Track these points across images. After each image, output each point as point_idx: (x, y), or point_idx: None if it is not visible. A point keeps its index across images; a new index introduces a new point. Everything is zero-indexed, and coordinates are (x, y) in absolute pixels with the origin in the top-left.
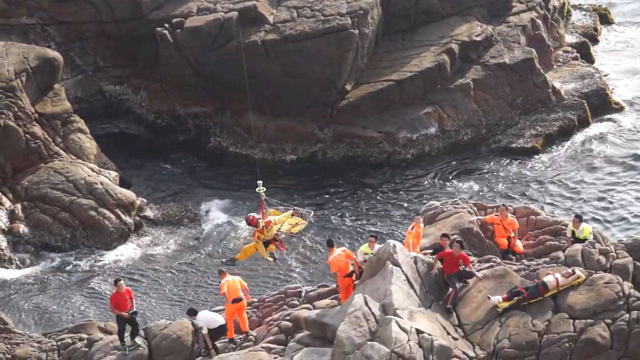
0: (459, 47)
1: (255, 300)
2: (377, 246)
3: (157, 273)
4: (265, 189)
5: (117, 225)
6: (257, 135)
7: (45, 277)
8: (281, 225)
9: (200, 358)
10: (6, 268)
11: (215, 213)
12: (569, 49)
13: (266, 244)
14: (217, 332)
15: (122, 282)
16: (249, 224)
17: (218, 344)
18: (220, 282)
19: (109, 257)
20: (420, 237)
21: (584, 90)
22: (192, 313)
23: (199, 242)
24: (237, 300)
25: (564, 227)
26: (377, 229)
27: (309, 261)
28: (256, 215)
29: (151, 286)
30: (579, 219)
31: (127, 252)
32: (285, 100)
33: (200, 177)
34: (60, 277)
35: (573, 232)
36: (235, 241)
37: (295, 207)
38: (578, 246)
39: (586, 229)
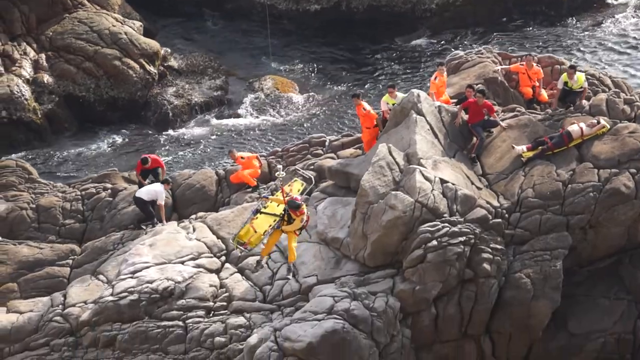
0: None
1: (280, 149)
2: (399, 94)
3: (181, 123)
4: (284, 174)
5: (141, 75)
6: None
7: (69, 126)
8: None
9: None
10: (30, 118)
11: (239, 63)
12: None
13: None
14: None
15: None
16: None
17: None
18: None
19: (134, 106)
20: (445, 86)
21: None
22: (165, 182)
23: (223, 93)
24: None
25: (589, 77)
26: (399, 81)
27: (332, 112)
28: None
29: (175, 136)
30: (573, 69)
31: (150, 101)
32: None
33: (225, 29)
34: (85, 127)
35: (565, 83)
36: (259, 93)
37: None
38: (602, 95)
39: (580, 78)
